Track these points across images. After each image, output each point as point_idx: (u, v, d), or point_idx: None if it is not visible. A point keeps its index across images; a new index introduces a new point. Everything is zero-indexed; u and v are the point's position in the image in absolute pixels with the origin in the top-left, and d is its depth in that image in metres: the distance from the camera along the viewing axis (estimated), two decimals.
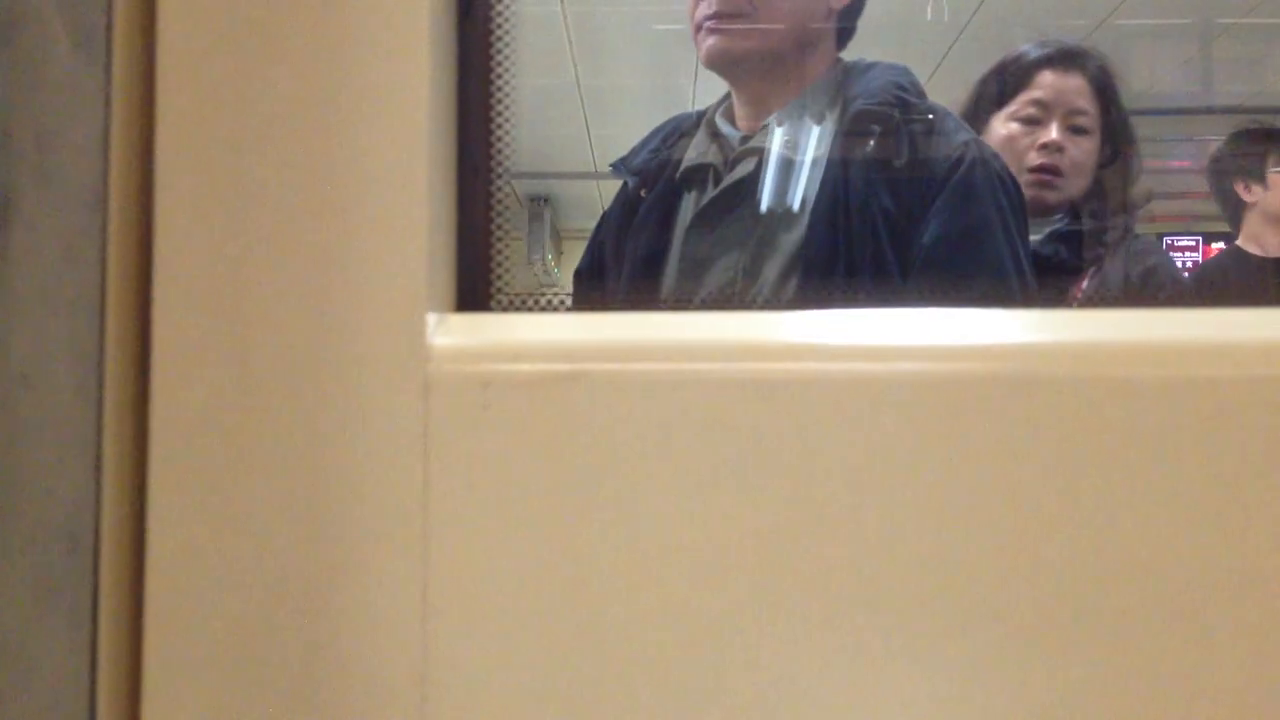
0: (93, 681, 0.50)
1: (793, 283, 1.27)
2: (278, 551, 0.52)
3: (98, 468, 0.50)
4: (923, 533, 0.52)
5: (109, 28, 0.50)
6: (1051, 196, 1.59)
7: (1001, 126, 1.62)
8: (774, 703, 0.53)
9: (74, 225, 0.48)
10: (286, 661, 0.52)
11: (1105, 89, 1.62)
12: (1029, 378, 0.53)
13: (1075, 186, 1.60)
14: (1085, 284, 1.57)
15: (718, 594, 0.53)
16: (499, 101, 0.60)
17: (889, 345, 0.54)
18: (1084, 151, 1.60)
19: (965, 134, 1.34)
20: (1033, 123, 1.61)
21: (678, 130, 1.45)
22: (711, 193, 1.36)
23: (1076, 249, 1.57)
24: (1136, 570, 0.52)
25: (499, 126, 0.60)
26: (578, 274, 1.48)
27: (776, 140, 1.34)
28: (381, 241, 0.53)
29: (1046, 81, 1.63)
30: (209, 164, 0.53)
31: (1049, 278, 1.54)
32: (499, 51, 0.60)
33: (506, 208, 0.61)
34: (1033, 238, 1.60)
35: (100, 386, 0.50)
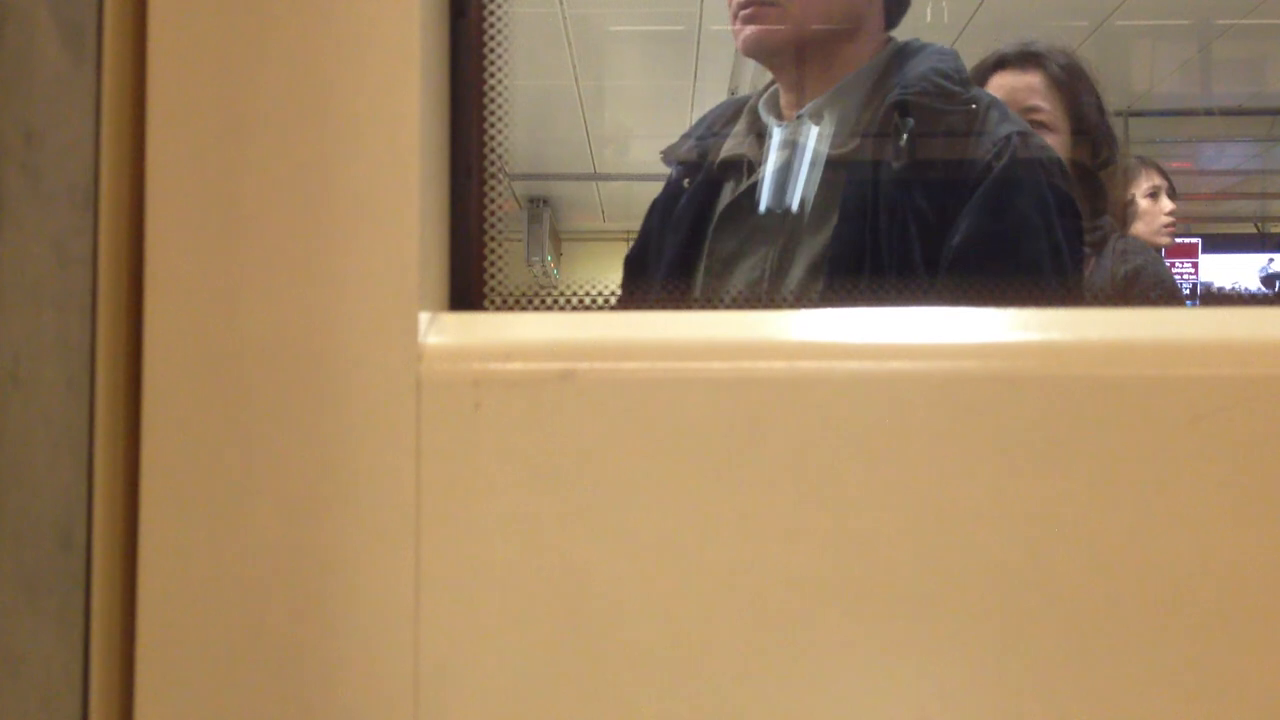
0: (85, 681, 0.50)
1: (820, 284, 1.21)
2: (270, 549, 0.52)
3: (89, 465, 0.50)
4: (919, 531, 0.52)
5: (99, 25, 0.50)
6: None
7: None
8: (768, 702, 0.52)
9: (64, 223, 0.48)
10: (279, 660, 0.52)
11: (1067, 86, 1.59)
12: (1028, 376, 0.53)
13: None
14: None
15: (710, 593, 0.53)
16: (492, 101, 0.60)
17: (883, 344, 0.54)
18: None
19: (1009, 126, 1.26)
20: None
21: (724, 117, 1.39)
22: (744, 186, 1.30)
23: None
24: (1136, 569, 0.52)
25: (492, 126, 0.60)
26: (627, 261, 1.43)
27: (808, 133, 1.28)
28: (374, 241, 0.53)
29: (999, 83, 1.62)
30: (200, 162, 0.53)
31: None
32: (492, 51, 0.60)
33: (500, 207, 0.61)
34: None
35: (91, 384, 0.50)
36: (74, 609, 0.50)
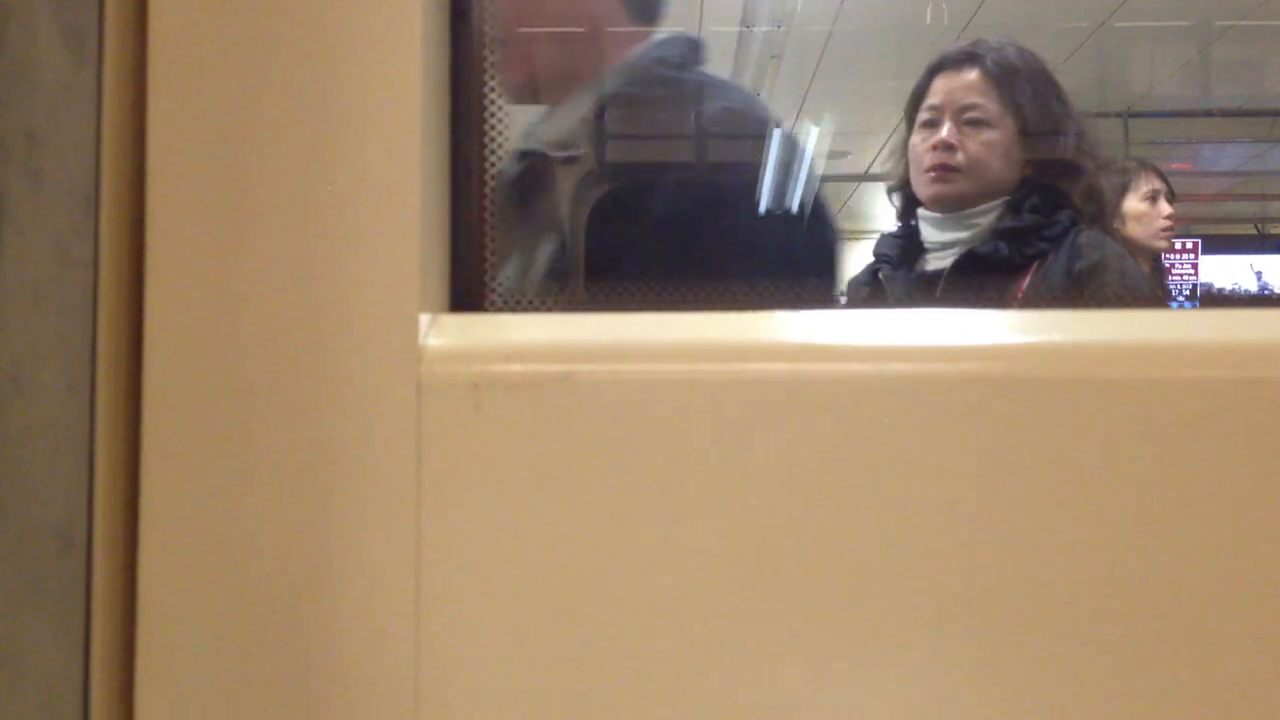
0: (85, 683, 0.50)
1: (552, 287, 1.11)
2: (271, 551, 0.52)
3: (90, 467, 0.50)
4: (919, 533, 0.52)
5: (100, 27, 0.50)
6: (949, 191, 1.58)
7: (914, 138, 1.62)
8: (767, 702, 0.53)
9: (65, 226, 0.48)
10: (280, 662, 0.52)
11: (1006, 82, 1.59)
12: (1027, 378, 0.53)
13: (983, 178, 1.58)
14: (1027, 281, 1.55)
15: (710, 594, 0.53)
16: (493, 101, 0.60)
17: (881, 345, 0.54)
18: (985, 143, 1.58)
19: (724, 103, 1.17)
20: (931, 126, 1.60)
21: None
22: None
23: (1017, 245, 1.53)
24: (1135, 572, 0.52)
25: (493, 127, 0.60)
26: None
27: (543, 141, 1.20)
28: (375, 242, 0.53)
29: (937, 86, 1.63)
30: (201, 164, 0.53)
31: (990, 276, 1.53)
32: (493, 51, 0.60)
33: (501, 208, 0.61)
34: (964, 235, 1.57)
35: (92, 387, 0.50)
36: (75, 610, 0.50)
